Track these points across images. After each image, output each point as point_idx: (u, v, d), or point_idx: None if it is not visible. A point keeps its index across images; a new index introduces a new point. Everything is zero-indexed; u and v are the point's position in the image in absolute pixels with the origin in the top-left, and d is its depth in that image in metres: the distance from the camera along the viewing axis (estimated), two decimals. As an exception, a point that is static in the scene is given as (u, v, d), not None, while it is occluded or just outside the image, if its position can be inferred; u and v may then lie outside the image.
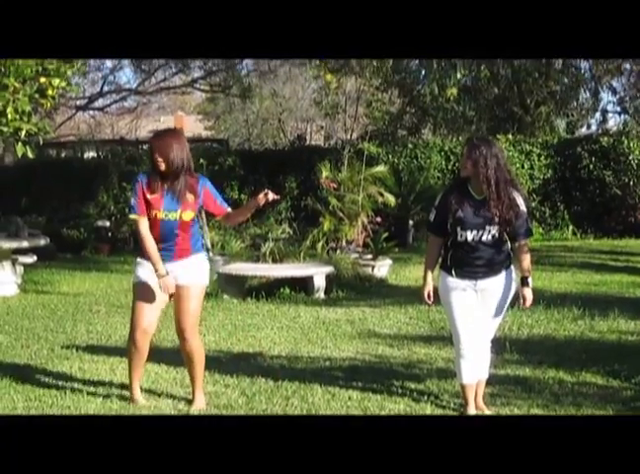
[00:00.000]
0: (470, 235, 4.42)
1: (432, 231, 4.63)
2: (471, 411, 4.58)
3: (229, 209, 4.77)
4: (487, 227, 4.40)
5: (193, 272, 4.67)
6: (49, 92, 6.36)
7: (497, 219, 4.37)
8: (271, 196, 4.47)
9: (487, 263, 4.47)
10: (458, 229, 4.43)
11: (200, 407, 4.75)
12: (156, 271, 4.56)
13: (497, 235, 4.43)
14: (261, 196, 4.50)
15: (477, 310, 4.53)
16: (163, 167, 4.49)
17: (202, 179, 4.68)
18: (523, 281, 4.53)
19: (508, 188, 4.39)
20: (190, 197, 4.56)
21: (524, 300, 4.52)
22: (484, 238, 4.42)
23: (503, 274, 4.52)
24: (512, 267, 4.55)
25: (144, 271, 4.66)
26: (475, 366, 4.57)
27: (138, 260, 4.72)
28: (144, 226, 4.58)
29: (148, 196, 4.54)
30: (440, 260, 4.63)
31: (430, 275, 4.62)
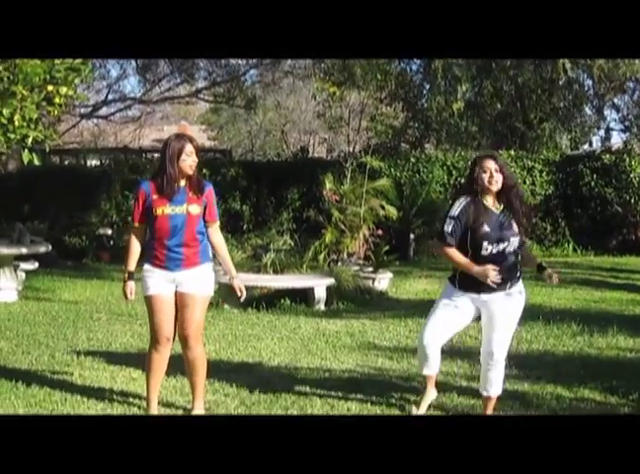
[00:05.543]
0: (495, 248, 4.48)
1: (447, 241, 4.49)
2: (427, 398, 4.90)
3: (218, 222, 4.84)
4: (511, 239, 4.51)
5: (200, 281, 4.70)
6: (57, 100, 6.41)
7: (519, 229, 4.54)
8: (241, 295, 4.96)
9: (506, 275, 4.52)
10: (485, 244, 4.47)
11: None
12: (124, 273, 4.75)
13: (517, 245, 4.55)
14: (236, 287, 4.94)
15: (463, 320, 4.70)
16: (194, 167, 4.62)
17: (207, 182, 4.82)
18: (540, 267, 4.67)
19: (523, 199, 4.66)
20: (196, 193, 4.65)
21: (551, 278, 4.60)
22: (507, 249, 4.50)
23: (512, 288, 4.57)
24: (519, 280, 4.61)
25: (153, 281, 4.65)
26: (436, 358, 4.79)
27: (145, 267, 4.68)
28: (134, 233, 4.73)
29: (154, 196, 4.59)
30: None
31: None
